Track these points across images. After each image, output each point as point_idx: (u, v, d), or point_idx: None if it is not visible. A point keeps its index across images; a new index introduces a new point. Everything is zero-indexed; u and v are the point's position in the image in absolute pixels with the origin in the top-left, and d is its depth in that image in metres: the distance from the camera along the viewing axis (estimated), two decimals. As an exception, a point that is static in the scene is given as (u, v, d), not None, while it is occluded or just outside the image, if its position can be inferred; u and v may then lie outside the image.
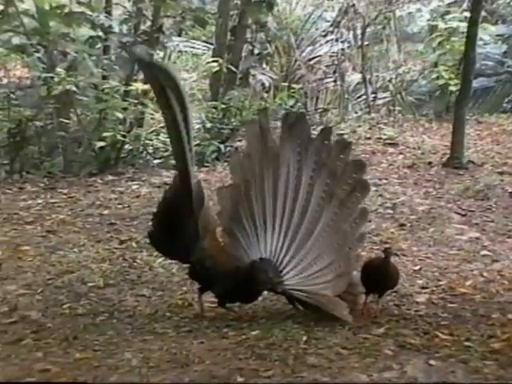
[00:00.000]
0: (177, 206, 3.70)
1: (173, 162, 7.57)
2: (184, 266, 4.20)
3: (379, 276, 3.71)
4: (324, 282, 3.72)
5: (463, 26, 8.76)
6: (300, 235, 3.76)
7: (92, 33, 7.68)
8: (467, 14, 8.35)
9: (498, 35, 11.44)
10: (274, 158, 3.81)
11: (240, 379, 2.99)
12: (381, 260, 3.73)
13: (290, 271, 3.72)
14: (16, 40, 7.32)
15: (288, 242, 3.75)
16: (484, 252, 4.91)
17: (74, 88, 7.06)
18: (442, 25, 9.97)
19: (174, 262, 4.61)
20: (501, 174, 6.84)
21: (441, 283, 4.29)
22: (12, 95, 7.62)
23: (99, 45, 7.75)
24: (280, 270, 3.71)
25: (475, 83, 8.45)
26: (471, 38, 7.25)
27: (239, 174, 3.88)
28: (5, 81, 8.84)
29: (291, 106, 9.20)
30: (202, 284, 3.79)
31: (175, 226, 3.70)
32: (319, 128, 4.01)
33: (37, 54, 7.36)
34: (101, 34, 7.64)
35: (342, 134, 8.02)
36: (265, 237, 3.77)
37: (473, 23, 7.26)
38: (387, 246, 3.93)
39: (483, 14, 8.68)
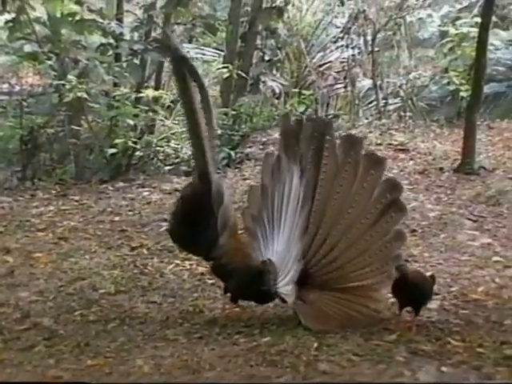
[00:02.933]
0: (197, 203, 3.72)
1: (184, 168, 7.62)
2: (197, 271, 4.26)
3: (397, 292, 3.71)
4: (364, 280, 3.79)
5: (474, 31, 8.74)
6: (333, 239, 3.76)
7: (103, 40, 7.71)
8: (478, 20, 8.32)
9: (509, 40, 11.40)
10: (300, 163, 3.80)
11: (251, 386, 2.99)
12: (401, 276, 3.70)
13: (284, 275, 3.73)
14: (28, 47, 7.36)
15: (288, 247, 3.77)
16: (496, 258, 4.88)
17: (85, 95, 7.08)
18: (452, 30, 9.95)
19: (185, 268, 4.63)
20: (512, 179, 6.82)
21: (452, 289, 4.28)
22: (24, 102, 7.66)
23: (110, 52, 7.77)
24: (278, 272, 3.73)
25: (486, 89, 8.42)
26: (482, 43, 7.23)
27: (269, 175, 3.92)
28: (17, 88, 8.88)
29: (302, 113, 9.21)
30: (221, 280, 3.88)
31: (195, 223, 3.72)
32: (346, 137, 3.94)
33: (48, 62, 7.39)
34: (112, 41, 7.66)
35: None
36: (277, 239, 3.79)
37: (484, 28, 7.24)
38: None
39: (494, 19, 8.64)
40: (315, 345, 3.39)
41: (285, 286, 3.72)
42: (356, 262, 3.77)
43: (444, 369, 3.16)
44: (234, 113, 8.34)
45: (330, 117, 9.98)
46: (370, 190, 3.75)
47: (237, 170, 7.56)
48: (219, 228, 3.73)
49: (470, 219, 5.73)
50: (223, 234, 3.77)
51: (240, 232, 4.07)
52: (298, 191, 3.78)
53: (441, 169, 7.22)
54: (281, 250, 3.77)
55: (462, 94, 9.40)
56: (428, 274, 4.01)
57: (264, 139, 8.62)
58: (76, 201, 6.39)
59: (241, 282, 3.74)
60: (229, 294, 3.87)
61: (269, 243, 3.83)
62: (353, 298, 3.80)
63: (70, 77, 7.15)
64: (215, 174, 3.77)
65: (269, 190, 3.90)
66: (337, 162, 3.76)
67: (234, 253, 3.82)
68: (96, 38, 7.88)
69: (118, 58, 7.87)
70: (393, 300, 3.92)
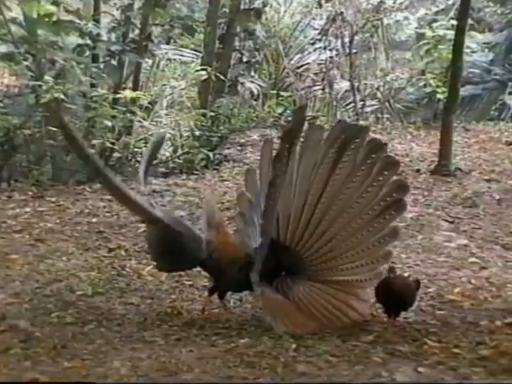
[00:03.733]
0: (162, 239, 3.85)
1: (162, 169, 7.61)
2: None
3: (386, 296, 3.70)
4: (354, 275, 3.87)
5: (450, 33, 8.80)
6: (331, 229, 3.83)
7: (80, 41, 7.67)
8: (454, 22, 8.39)
9: (484, 43, 11.52)
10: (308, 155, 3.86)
11: (229, 387, 2.99)
12: (385, 279, 3.70)
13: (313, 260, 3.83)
14: (4, 48, 7.31)
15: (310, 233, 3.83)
16: (472, 259, 4.93)
17: (62, 96, 7.04)
18: (429, 33, 10.00)
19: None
20: (488, 181, 6.88)
21: (429, 290, 4.31)
22: (0, 103, 7.60)
23: (87, 53, 7.74)
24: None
25: (462, 91, 8.49)
26: (458, 45, 7.29)
27: (268, 160, 3.92)
28: (-7, 89, 8.82)
29: (280, 114, 9.23)
30: (215, 277, 3.90)
31: (173, 251, 3.84)
32: (371, 141, 3.90)
33: (25, 62, 7.34)
34: (89, 42, 7.63)
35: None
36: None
37: (460, 31, 7.30)
38: (391, 264, 3.94)
39: (470, 22, 8.72)
40: (293, 346, 3.40)
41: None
42: (349, 254, 3.80)
43: (421, 369, 3.18)
44: (212, 114, 8.34)
45: (308, 118, 10.00)
46: (378, 188, 3.79)
47: (215, 172, 7.56)
48: (203, 229, 3.90)
49: (446, 220, 5.78)
50: (209, 231, 3.88)
51: (227, 225, 4.13)
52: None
53: (418, 170, 7.27)
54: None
55: (438, 96, 9.46)
56: (413, 278, 4.02)
57: (242, 140, 8.62)
58: (53, 202, 6.35)
59: (232, 272, 3.78)
60: (208, 297, 3.89)
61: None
62: (339, 294, 3.82)
63: (46, 77, 7.11)
64: (155, 207, 3.94)
65: (266, 176, 3.90)
66: (355, 161, 3.78)
67: (223, 247, 3.87)
68: (73, 39, 7.83)
69: (95, 58, 7.84)
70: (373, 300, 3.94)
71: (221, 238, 3.91)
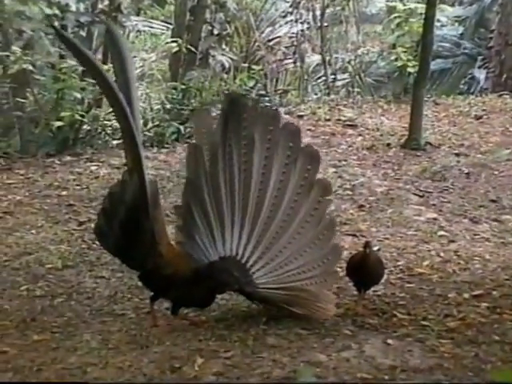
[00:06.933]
0: (131, 205, 3.29)
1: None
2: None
3: (360, 271, 3.61)
4: (306, 278, 3.50)
5: (421, 7, 8.80)
6: (271, 231, 3.44)
7: (48, 11, 7.56)
8: (425, -4, 8.39)
9: (454, 17, 11.56)
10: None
11: (200, 360, 3.00)
12: (361, 254, 3.63)
13: (261, 269, 3.42)
14: (-30, 18, 7.18)
15: (256, 238, 3.41)
16: (441, 232, 4.97)
17: (30, 67, 6.95)
18: (400, 6, 9.97)
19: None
20: (457, 155, 6.92)
21: (399, 263, 4.35)
22: (-34, 74, 7.48)
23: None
24: (247, 269, 3.39)
25: (432, 65, 8.51)
26: (429, 19, 7.29)
27: (192, 168, 3.47)
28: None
29: (251, 88, 9.18)
30: (157, 292, 3.44)
31: (129, 226, 3.30)
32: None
33: (-8, 32, 7.23)
34: (57, 12, 7.51)
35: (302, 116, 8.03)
36: (224, 234, 3.40)
37: (430, 4, 7.30)
38: (368, 239, 3.91)
39: (441, -5, 8.74)
40: (263, 319, 3.41)
41: (277, 278, 3.47)
42: (295, 258, 3.48)
43: (389, 341, 3.22)
44: (183, 87, 8.27)
45: (279, 92, 9.99)
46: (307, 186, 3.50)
47: (186, 145, 7.50)
48: (156, 235, 3.30)
49: (416, 194, 5.82)
50: (161, 241, 3.33)
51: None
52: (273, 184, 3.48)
53: (388, 144, 7.29)
54: (246, 244, 3.45)
55: (409, 69, 9.44)
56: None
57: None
58: (21, 175, 6.28)
59: (191, 288, 3.36)
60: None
61: (210, 240, 3.45)
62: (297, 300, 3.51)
63: (14, 48, 7.00)
64: (147, 173, 3.33)
65: (195, 184, 3.47)
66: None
67: (176, 260, 3.39)
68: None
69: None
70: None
71: (172, 251, 3.41)
